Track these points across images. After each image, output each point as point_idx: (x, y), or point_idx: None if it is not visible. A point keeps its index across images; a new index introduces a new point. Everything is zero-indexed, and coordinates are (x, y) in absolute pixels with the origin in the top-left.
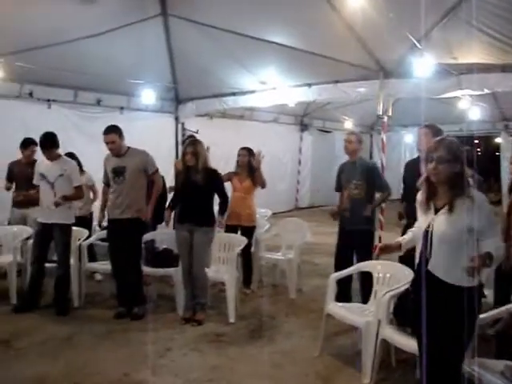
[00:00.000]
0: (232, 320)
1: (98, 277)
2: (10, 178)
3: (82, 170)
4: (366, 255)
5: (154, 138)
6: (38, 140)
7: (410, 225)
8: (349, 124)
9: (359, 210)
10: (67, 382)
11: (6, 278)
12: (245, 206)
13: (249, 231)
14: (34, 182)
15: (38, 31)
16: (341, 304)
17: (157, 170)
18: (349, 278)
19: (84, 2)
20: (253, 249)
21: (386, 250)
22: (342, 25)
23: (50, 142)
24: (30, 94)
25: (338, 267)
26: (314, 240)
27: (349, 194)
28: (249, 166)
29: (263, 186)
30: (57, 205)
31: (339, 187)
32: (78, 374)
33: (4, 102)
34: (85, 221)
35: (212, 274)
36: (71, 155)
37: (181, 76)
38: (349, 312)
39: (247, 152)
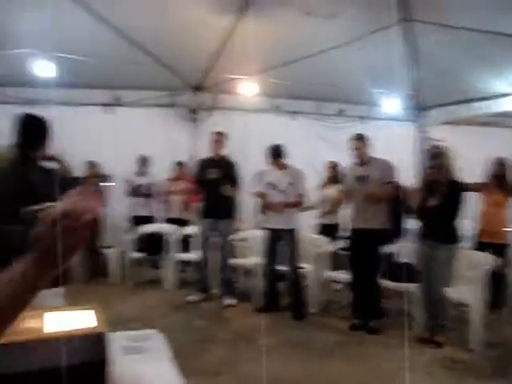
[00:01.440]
0: (473, 346)
1: (336, 286)
2: None
3: (338, 181)
4: None
5: (395, 147)
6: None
7: None
8: None
9: None
10: None
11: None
12: (497, 222)
13: (501, 249)
14: (263, 189)
15: (286, 48)
16: None
17: (390, 182)
18: None
19: (328, 16)
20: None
21: None
22: None
23: (278, 152)
24: (277, 108)
25: None
26: None
27: None
28: (498, 177)
29: None
30: (289, 207)
31: None
32: (314, 381)
33: (255, 116)
34: (331, 229)
35: (454, 294)
36: (334, 165)
37: (423, 83)
38: None
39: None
